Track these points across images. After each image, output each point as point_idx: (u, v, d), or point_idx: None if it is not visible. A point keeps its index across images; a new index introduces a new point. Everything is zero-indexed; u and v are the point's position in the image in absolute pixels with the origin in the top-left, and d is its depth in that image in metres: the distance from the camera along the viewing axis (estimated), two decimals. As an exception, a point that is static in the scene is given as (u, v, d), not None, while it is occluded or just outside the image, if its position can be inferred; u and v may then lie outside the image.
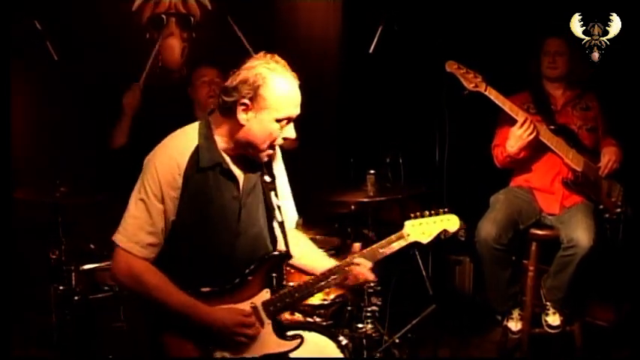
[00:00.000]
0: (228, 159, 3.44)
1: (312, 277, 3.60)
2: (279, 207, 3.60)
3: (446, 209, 3.83)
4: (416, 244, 3.77)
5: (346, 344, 4.27)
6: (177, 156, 3.35)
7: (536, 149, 5.25)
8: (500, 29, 6.31)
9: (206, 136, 3.41)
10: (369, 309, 4.95)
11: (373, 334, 4.92)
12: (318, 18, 6.55)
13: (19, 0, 4.95)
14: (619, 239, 5.20)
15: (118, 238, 3.35)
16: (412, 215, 3.71)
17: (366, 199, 5.05)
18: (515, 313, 5.33)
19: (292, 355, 3.50)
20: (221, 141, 3.42)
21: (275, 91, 3.31)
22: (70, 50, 5.37)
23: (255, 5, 6.20)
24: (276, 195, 3.60)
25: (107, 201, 4.94)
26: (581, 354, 5.29)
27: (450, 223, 3.81)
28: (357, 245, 4.50)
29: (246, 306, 3.43)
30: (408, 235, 3.71)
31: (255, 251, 3.51)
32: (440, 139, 5.60)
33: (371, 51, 5.41)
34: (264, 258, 3.50)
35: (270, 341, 3.46)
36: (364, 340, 4.88)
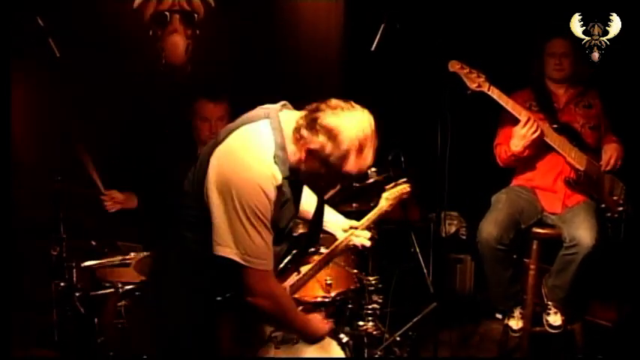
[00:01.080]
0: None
1: (322, 255, 4.02)
2: None
3: (404, 179, 4.46)
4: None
5: (347, 342, 4.30)
6: (268, 165, 3.22)
7: (539, 148, 5.26)
8: (502, 28, 6.32)
9: (280, 142, 3.26)
10: (369, 307, 4.96)
11: (374, 332, 4.92)
12: (320, 16, 6.54)
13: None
14: (620, 238, 5.20)
15: (246, 259, 3.22)
16: (386, 188, 4.22)
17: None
18: (516, 312, 5.33)
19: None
20: (292, 154, 3.28)
21: (358, 150, 3.21)
22: (71, 48, 5.37)
23: (257, 3, 6.20)
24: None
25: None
26: (581, 353, 5.29)
27: (404, 191, 4.43)
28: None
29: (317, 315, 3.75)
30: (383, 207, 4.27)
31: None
32: (442, 138, 5.59)
33: (373, 49, 5.40)
34: (300, 248, 3.82)
35: None
36: (365, 338, 4.89)
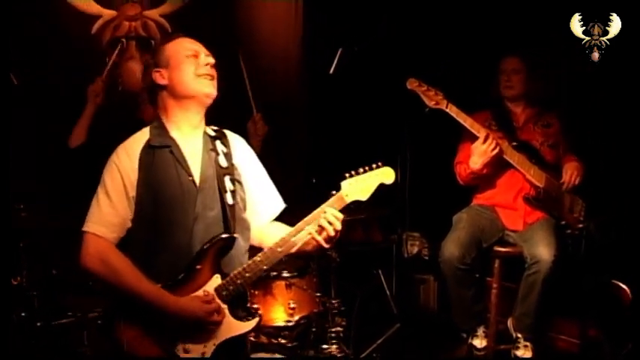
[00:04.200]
0: (180, 142, 3.58)
1: (261, 252, 3.54)
2: (232, 192, 3.59)
3: (379, 163, 3.71)
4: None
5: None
6: (132, 144, 3.56)
7: (498, 166, 5.28)
8: (461, 49, 6.35)
9: (156, 124, 3.61)
10: (333, 329, 4.94)
11: (338, 355, 4.91)
12: (278, 41, 6.56)
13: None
14: (581, 254, 5.22)
15: (87, 225, 3.45)
16: (347, 175, 3.60)
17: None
18: (480, 331, 5.32)
19: None
20: (172, 126, 3.60)
21: (171, 45, 3.69)
22: (29, 74, 5.34)
23: (214, 24, 6.20)
24: (233, 181, 3.62)
25: (68, 225, 4.93)
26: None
27: (386, 175, 3.69)
28: None
29: (199, 294, 3.43)
30: (347, 195, 3.58)
31: (213, 236, 3.51)
32: (401, 159, 5.61)
33: (331, 72, 5.42)
34: (208, 244, 3.45)
35: (230, 325, 3.46)
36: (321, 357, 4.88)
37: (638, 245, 5.33)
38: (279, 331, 4.87)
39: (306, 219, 3.52)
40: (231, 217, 3.55)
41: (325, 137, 6.28)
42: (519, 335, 5.21)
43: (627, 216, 5.48)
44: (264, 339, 4.77)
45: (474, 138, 5.16)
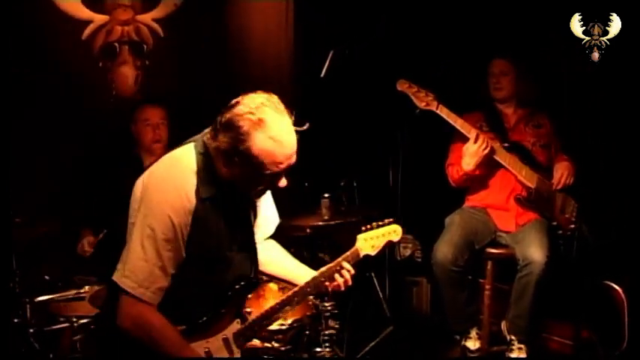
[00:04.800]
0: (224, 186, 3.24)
1: (278, 301, 3.52)
2: (252, 222, 3.50)
3: (391, 219, 3.82)
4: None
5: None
6: (183, 188, 3.15)
7: (490, 167, 5.30)
8: (452, 51, 6.36)
9: (205, 163, 3.19)
10: (326, 332, 4.93)
11: (332, 358, 4.91)
12: (270, 43, 6.55)
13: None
14: (573, 255, 5.23)
15: (126, 283, 3.11)
16: (363, 228, 3.71)
17: (321, 223, 5.06)
18: (473, 333, 5.34)
19: None
20: (219, 168, 3.18)
21: (270, 140, 3.08)
22: (20, 80, 5.35)
23: (206, 31, 6.20)
24: (254, 215, 3.49)
25: (58, 231, 4.94)
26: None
27: (395, 234, 3.82)
28: None
29: (218, 339, 3.33)
30: (361, 249, 3.69)
31: (238, 277, 3.38)
32: (393, 162, 5.62)
33: (323, 75, 5.42)
34: (236, 289, 3.35)
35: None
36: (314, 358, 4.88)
37: (634, 246, 5.34)
38: (272, 334, 4.87)
39: (323, 271, 3.61)
40: (256, 257, 3.51)
41: (317, 140, 6.27)
42: (513, 337, 5.22)
43: (627, 216, 5.49)
44: (257, 343, 4.77)
45: (465, 139, 5.17)
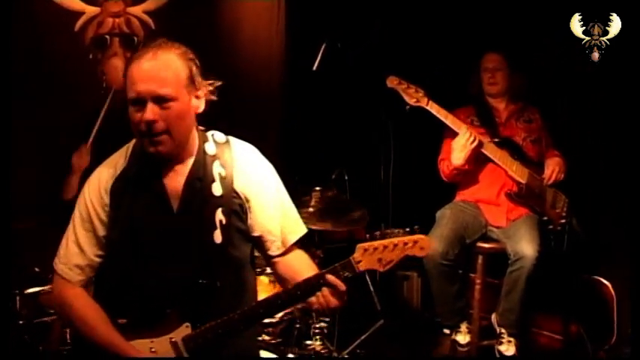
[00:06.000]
0: (165, 171, 3.13)
1: (239, 311, 3.10)
2: (225, 226, 3.11)
3: (416, 227, 3.26)
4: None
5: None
6: (104, 170, 3.19)
7: (481, 162, 5.30)
8: (443, 45, 6.36)
9: (136, 145, 3.18)
10: (317, 326, 4.95)
11: (322, 351, 4.91)
12: (261, 36, 6.55)
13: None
14: (564, 250, 5.24)
15: (55, 261, 3.21)
16: (368, 235, 3.25)
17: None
18: (463, 327, 5.34)
19: None
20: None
21: (126, 73, 3.03)
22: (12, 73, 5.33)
23: (197, 21, 6.19)
24: (228, 213, 3.12)
25: (48, 223, 4.91)
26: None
27: (417, 246, 3.12)
28: None
29: (165, 340, 3.10)
30: (359, 262, 3.09)
31: (193, 277, 3.10)
32: (385, 155, 5.61)
33: (315, 68, 5.41)
34: (182, 290, 3.08)
35: None
36: (313, 357, 4.87)
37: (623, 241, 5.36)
38: (263, 327, 4.87)
39: (299, 284, 3.08)
40: (215, 259, 3.13)
41: (308, 133, 6.27)
42: (503, 331, 5.22)
43: (617, 212, 5.50)
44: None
45: (456, 134, 5.18)
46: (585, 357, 5.42)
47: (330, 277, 3.06)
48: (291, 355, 4.49)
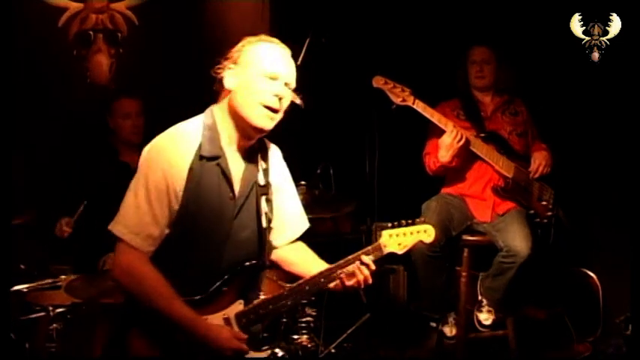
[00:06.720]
0: (229, 155, 3.31)
1: (287, 288, 3.43)
2: (266, 214, 3.43)
3: (422, 219, 3.68)
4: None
5: (282, 356, 4.28)
6: (182, 144, 3.25)
7: (467, 157, 5.30)
8: (428, 39, 6.36)
9: (210, 126, 3.30)
10: (303, 320, 4.95)
11: (309, 345, 4.92)
12: (245, 32, 6.53)
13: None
14: (550, 242, 5.26)
15: (118, 229, 3.19)
16: (389, 225, 3.55)
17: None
18: (450, 319, 5.38)
19: None
20: (225, 134, 3.31)
21: (258, 49, 3.33)
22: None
23: (181, 19, 6.18)
24: (268, 201, 3.44)
25: (34, 220, 4.91)
26: (516, 356, 5.34)
27: (427, 234, 3.65)
28: None
29: (219, 317, 3.26)
30: (385, 246, 3.52)
31: (242, 257, 3.34)
32: (370, 149, 5.61)
33: (299, 63, 5.40)
34: (238, 269, 3.32)
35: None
36: (300, 352, 4.87)
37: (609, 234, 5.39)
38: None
39: (340, 263, 3.43)
40: (262, 242, 3.43)
41: (293, 127, 6.26)
42: (484, 301, 5.28)
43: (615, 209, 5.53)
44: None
45: (442, 130, 5.17)
46: (570, 348, 5.46)
47: (365, 258, 3.45)
48: (277, 350, 4.47)
